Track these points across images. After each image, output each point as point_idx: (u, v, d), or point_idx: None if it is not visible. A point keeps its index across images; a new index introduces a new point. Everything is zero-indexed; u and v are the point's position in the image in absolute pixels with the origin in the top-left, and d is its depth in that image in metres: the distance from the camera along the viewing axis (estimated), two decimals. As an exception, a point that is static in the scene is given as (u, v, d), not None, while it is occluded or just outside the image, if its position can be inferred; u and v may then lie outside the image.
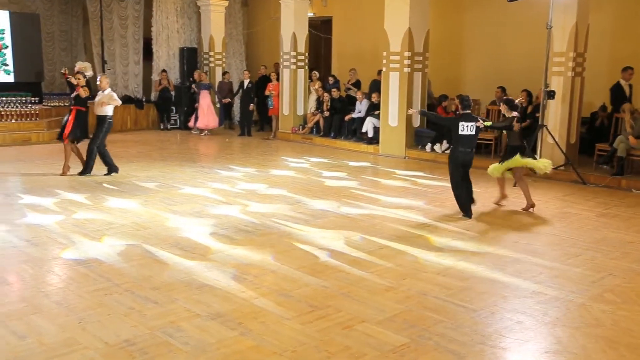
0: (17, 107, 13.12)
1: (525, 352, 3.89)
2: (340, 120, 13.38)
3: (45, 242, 5.97)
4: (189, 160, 11.32)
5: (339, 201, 8.00)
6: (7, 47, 14.38)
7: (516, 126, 7.53)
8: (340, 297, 4.69)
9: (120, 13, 16.29)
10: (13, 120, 12.97)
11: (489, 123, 7.48)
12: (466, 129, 7.18)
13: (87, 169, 9.31)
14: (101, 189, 8.48)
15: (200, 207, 7.51)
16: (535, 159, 7.85)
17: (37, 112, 13.36)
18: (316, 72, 14.63)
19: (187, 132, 15.25)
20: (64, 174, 9.27)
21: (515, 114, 7.60)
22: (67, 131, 9.15)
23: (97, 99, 9.13)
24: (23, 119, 13.09)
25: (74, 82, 9.31)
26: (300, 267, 5.37)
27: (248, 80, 14.86)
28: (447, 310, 4.49)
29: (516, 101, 8.13)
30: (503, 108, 7.77)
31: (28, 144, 12.69)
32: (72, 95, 9.39)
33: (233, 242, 6.09)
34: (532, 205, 7.61)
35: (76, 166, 9.52)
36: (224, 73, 15.91)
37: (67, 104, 12.94)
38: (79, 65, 13.84)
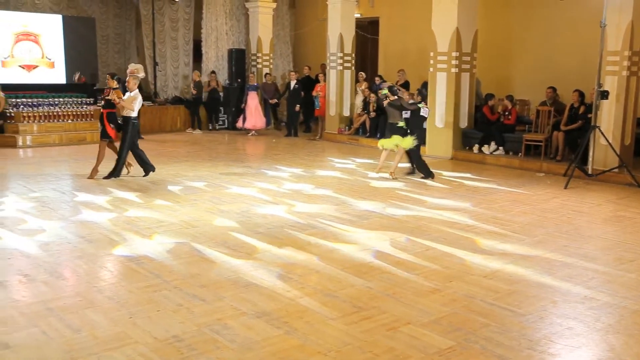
0: (72, 107, 13.55)
1: (576, 358, 3.78)
2: (386, 121, 13.29)
3: (99, 239, 6.14)
4: (236, 160, 11.46)
5: (384, 202, 7.96)
6: None
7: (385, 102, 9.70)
8: (385, 298, 4.67)
9: (171, 15, 16.66)
10: (69, 121, 13.40)
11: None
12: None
13: (113, 173, 9.14)
14: (152, 188, 8.67)
15: (247, 207, 7.59)
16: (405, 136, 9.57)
17: (91, 112, 13.77)
18: (363, 73, 14.61)
19: (235, 132, 15.45)
20: (92, 176, 9.15)
21: (393, 97, 9.61)
22: (110, 132, 9.12)
23: (124, 98, 9.06)
24: (78, 120, 13.50)
25: (111, 85, 9.21)
26: (345, 267, 5.37)
27: (295, 81, 14.96)
28: (494, 313, 4.40)
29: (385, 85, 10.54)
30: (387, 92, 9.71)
31: (83, 143, 13.09)
32: (103, 97, 9.29)
33: (279, 241, 6.13)
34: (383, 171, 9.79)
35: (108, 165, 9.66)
36: (266, 74, 16.05)
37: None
38: (131, 67, 14.27)
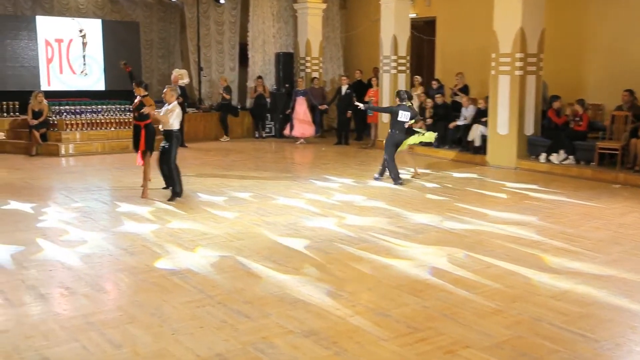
0: (115, 115, 13.92)
1: (657, 390, 3.64)
2: (444, 128, 13.17)
3: (141, 251, 6.29)
4: (283, 169, 11.56)
5: (441, 215, 7.87)
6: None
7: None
8: (442, 319, 4.61)
9: (216, 19, 17.01)
10: (112, 129, 13.77)
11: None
12: (403, 116, 9.90)
13: (177, 190, 8.87)
14: (195, 199, 8.83)
15: (295, 219, 7.64)
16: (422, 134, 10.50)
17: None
18: (418, 77, 14.53)
19: (282, 140, 15.58)
20: (145, 195, 8.88)
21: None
22: (140, 152, 8.92)
23: (161, 111, 8.87)
24: (121, 127, 13.82)
25: (139, 93, 9.00)
26: (399, 285, 5.33)
27: (346, 86, 14.97)
28: (564, 338, 4.28)
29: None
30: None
31: (126, 152, 13.43)
32: (134, 108, 9.11)
33: (328, 256, 6.14)
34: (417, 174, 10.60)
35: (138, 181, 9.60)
36: (313, 79, 16.03)
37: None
38: (175, 73, 14.64)
